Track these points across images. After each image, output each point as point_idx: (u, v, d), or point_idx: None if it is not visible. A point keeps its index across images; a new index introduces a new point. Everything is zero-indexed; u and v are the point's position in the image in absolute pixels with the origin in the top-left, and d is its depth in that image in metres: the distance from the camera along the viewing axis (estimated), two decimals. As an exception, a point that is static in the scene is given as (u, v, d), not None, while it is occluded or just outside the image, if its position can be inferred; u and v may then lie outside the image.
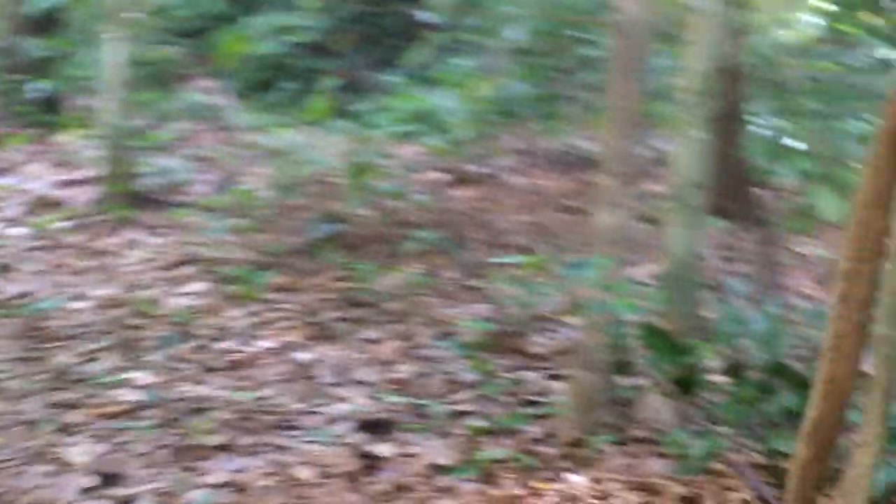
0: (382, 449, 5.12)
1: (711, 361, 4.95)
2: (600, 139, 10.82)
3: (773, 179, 9.43)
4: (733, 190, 7.91)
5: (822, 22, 12.66)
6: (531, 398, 5.64)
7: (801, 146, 9.88)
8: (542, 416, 5.39)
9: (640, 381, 5.20)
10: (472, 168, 10.65)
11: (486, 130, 11.05)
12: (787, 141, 10.11)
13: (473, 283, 7.35)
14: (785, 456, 4.53)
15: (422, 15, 13.97)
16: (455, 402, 5.62)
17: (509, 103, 11.64)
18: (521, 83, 11.77)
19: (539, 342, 6.35)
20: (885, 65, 12.02)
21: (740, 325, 4.97)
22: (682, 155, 5.28)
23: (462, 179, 10.32)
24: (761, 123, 10.17)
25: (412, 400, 5.64)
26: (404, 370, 6.04)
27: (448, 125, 11.03)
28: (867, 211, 2.88)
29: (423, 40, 12.83)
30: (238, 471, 4.88)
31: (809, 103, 10.33)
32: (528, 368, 6.01)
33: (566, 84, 11.89)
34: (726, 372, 4.86)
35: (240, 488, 4.72)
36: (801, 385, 4.71)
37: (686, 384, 4.95)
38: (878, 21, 12.75)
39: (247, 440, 5.19)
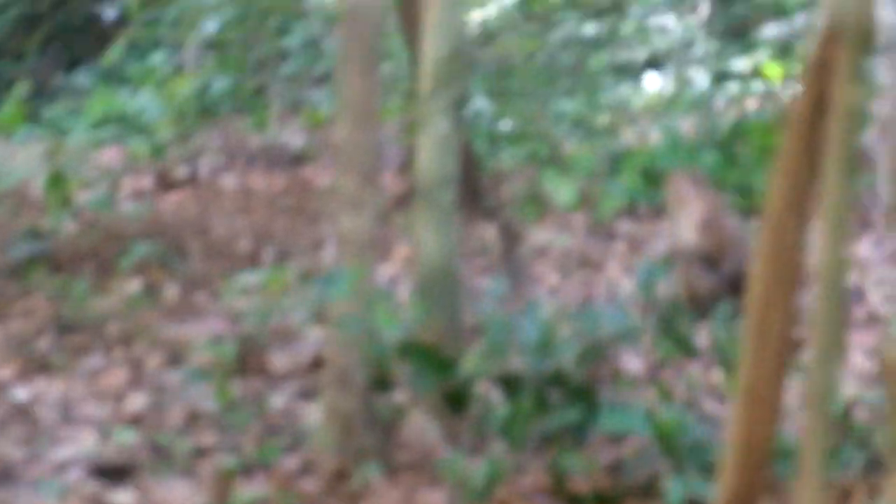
0: (122, 499, 4.58)
1: (480, 374, 4.60)
2: (319, 134, 10.44)
3: (492, 165, 9.21)
4: (463, 179, 7.60)
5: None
6: (282, 424, 5.18)
7: (516, 128, 9.71)
8: (297, 445, 4.94)
9: (403, 400, 4.81)
10: (178, 170, 10.08)
11: (188, 129, 10.51)
12: (503, 124, 9.91)
13: (200, 297, 6.83)
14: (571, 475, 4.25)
15: (109, 11, 13.29)
16: (198, 437, 5.10)
17: (210, 99, 11.16)
18: (221, 77, 11.30)
19: (283, 359, 5.89)
20: (590, 41, 12.01)
21: (508, 333, 4.63)
22: (427, 149, 4.91)
23: (169, 183, 9.74)
24: (476, 107, 9.95)
25: (149, 437, 5.10)
26: (136, 402, 5.48)
27: (148, 126, 10.44)
28: (780, 222, 2.47)
29: (113, 37, 12.15)
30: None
31: (521, 84, 10.16)
32: (274, 390, 5.54)
33: (267, 76, 11.47)
34: (498, 385, 4.52)
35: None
36: (581, 396, 4.42)
37: (454, 400, 4.59)
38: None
39: (-36, 501, 4.58)
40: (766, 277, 2.46)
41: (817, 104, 2.35)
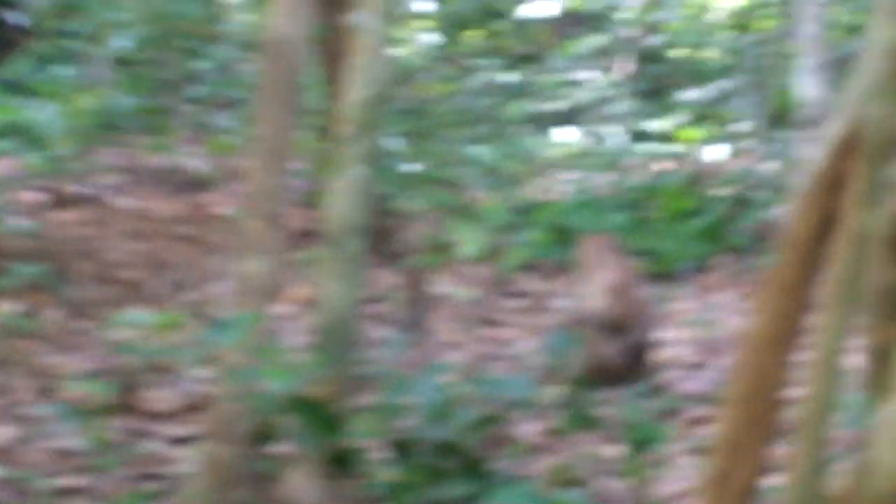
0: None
1: (371, 435, 4.35)
2: (223, 161, 10.15)
3: (399, 207, 8.97)
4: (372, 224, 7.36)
5: (437, 41, 12.41)
6: (154, 470, 4.89)
7: (426, 172, 9.49)
8: (170, 493, 4.65)
9: (287, 455, 4.53)
10: (73, 187, 9.71)
11: (87, 146, 10.15)
12: (413, 168, 9.68)
13: (84, 327, 6.50)
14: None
15: (15, 18, 12.89)
16: (65, 477, 4.79)
17: (113, 116, 10.81)
18: (127, 95, 10.97)
19: (161, 398, 5.58)
20: (508, 89, 11.86)
21: (404, 393, 4.39)
22: (340, 195, 4.66)
23: (63, 201, 9.36)
24: (387, 146, 9.71)
25: (11, 472, 4.78)
26: (2, 435, 5.15)
27: (46, 140, 10.06)
28: (761, 352, 2.18)
29: (20, 46, 11.76)
30: None
31: (435, 127, 9.97)
32: (148, 432, 5.25)
33: (174, 98, 11.18)
34: (390, 450, 4.28)
35: None
36: (475, 466, 4.19)
37: (340, 461, 4.33)
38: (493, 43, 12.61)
39: None
40: (738, 416, 2.16)
41: (822, 222, 2.08)
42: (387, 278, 7.08)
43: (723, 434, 2.18)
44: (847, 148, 2.06)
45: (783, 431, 2.28)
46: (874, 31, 2.16)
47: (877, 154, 2.04)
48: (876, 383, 1.98)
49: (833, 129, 2.12)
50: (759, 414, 2.14)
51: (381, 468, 4.35)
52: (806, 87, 8.06)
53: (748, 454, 2.17)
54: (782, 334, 2.12)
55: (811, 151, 7.92)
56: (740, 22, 12.26)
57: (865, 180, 2.04)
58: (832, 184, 2.09)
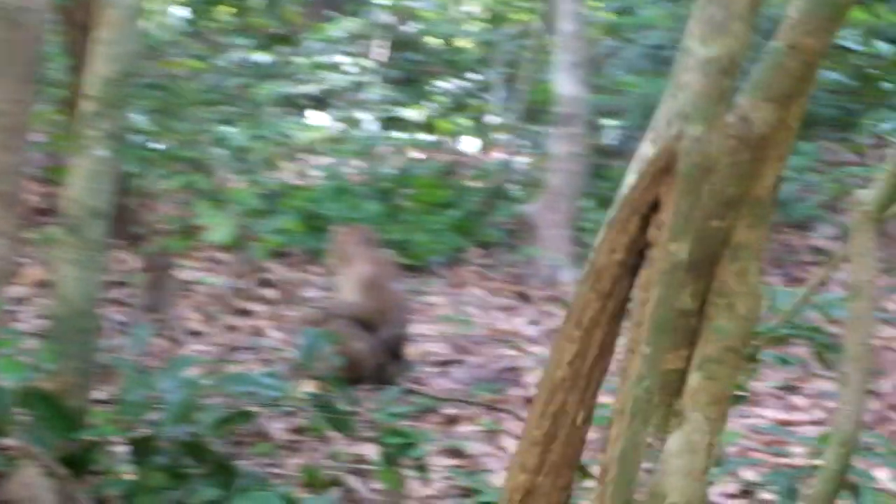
0: None
1: (108, 433, 4.08)
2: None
3: (142, 186, 8.61)
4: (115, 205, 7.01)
5: (187, 16, 12.05)
6: None
7: (172, 152, 9.15)
8: None
9: (18, 451, 4.22)
10: None
11: None
12: (159, 146, 9.32)
13: None
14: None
15: None
16: None
17: None
18: None
19: None
20: (257, 69, 11.56)
21: (146, 389, 4.12)
22: (80, 177, 4.36)
23: None
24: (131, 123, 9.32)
25: None
26: None
27: None
28: (560, 393, 1.99)
29: None
30: None
31: (182, 104, 9.62)
32: None
33: None
34: (130, 449, 4.01)
35: None
36: (220, 470, 3.96)
37: (76, 460, 4.04)
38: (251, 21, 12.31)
39: None
40: (534, 462, 1.97)
41: (630, 251, 1.90)
42: (129, 262, 6.76)
43: (515, 480, 2.00)
44: (659, 171, 1.90)
45: (585, 476, 2.14)
46: (688, 46, 2.02)
47: (690, 178, 1.89)
48: (665, 412, 1.84)
49: (645, 151, 1.96)
50: (557, 459, 1.97)
51: (120, 468, 4.09)
52: (563, 83, 8.05)
53: (544, 502, 2.00)
54: (584, 372, 1.96)
55: (563, 147, 7.95)
56: (495, 14, 12.25)
57: (678, 205, 1.88)
58: (643, 209, 1.92)
